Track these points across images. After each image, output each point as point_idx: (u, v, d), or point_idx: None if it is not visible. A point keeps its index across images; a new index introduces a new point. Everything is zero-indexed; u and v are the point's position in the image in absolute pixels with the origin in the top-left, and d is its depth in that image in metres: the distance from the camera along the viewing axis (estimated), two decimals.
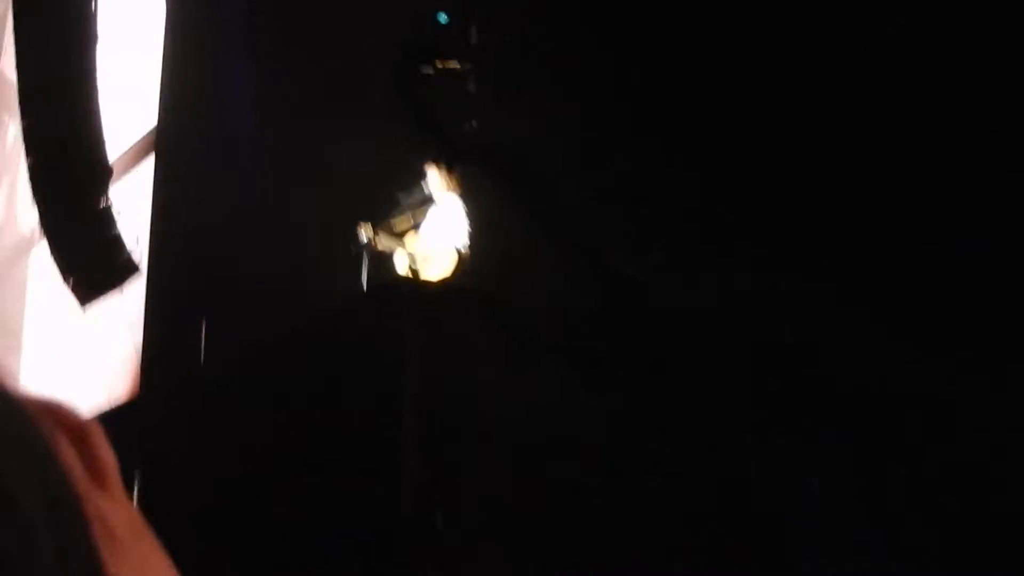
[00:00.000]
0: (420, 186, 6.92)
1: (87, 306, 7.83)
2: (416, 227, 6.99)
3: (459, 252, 6.84)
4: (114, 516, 0.55)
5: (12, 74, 8.45)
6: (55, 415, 0.55)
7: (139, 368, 7.62)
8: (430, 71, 7.33)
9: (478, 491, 5.82)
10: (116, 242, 7.50)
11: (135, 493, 6.60)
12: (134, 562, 0.56)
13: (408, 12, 7.47)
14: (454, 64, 7.27)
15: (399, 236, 6.95)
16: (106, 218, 7.53)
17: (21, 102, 8.09)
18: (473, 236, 6.88)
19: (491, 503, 5.81)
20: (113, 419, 7.16)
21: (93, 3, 7.89)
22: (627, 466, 6.03)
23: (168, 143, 7.97)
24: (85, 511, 0.51)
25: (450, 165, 6.98)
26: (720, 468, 6.15)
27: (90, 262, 7.68)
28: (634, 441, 6.06)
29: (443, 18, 7.28)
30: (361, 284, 6.82)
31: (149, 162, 8.24)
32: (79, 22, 7.86)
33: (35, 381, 8.65)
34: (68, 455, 0.53)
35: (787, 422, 6.24)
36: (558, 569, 5.78)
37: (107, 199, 7.57)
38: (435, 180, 6.92)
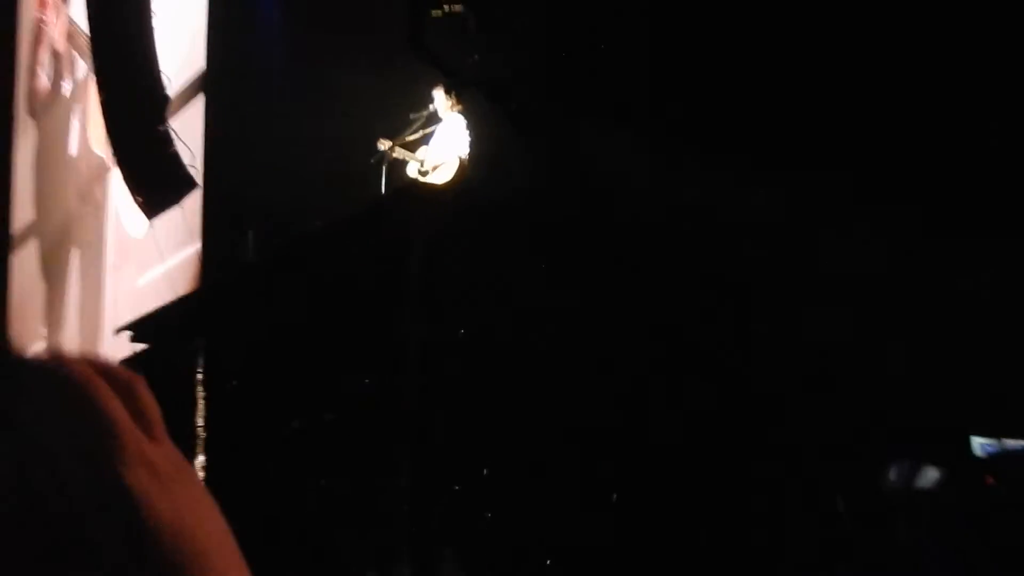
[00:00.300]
0: (429, 106, 8.12)
1: (153, 218, 9.13)
2: (426, 140, 8.18)
3: (461, 160, 8.08)
4: (160, 459, 0.62)
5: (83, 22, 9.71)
6: (106, 374, 0.62)
7: (199, 267, 8.94)
8: (438, 14, 8.55)
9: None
10: (175, 161, 8.74)
11: (200, 363, 8.00)
12: (177, 497, 0.61)
13: None
14: (458, 7, 8.49)
15: (411, 147, 8.13)
16: (166, 140, 8.74)
17: (92, 44, 9.33)
18: (472, 146, 8.16)
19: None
20: (179, 308, 8.58)
21: None
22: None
23: (215, 76, 9.17)
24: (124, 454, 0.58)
25: (454, 89, 8.26)
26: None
27: (154, 180, 8.91)
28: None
29: None
30: (380, 187, 8.13)
31: (200, 97, 9.46)
32: None
33: (116, 289, 9.98)
34: (116, 408, 0.60)
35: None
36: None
37: (166, 124, 8.79)
38: (441, 101, 8.13)
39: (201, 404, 7.93)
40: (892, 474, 7.57)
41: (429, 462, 6.83)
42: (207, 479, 7.21)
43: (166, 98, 8.83)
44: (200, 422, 7.90)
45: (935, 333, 7.63)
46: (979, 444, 8.15)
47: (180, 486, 0.63)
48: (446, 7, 8.42)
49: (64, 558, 0.58)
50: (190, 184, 8.68)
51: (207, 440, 7.86)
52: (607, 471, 7.08)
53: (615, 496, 7.09)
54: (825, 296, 7.46)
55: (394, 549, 6.74)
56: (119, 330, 8.73)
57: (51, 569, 0.59)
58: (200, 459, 7.81)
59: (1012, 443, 8.19)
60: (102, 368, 0.63)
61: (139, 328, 8.62)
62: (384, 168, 8.07)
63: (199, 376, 7.98)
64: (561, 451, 7.00)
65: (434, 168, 8.14)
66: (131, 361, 8.51)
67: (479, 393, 6.97)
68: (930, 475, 7.65)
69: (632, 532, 6.87)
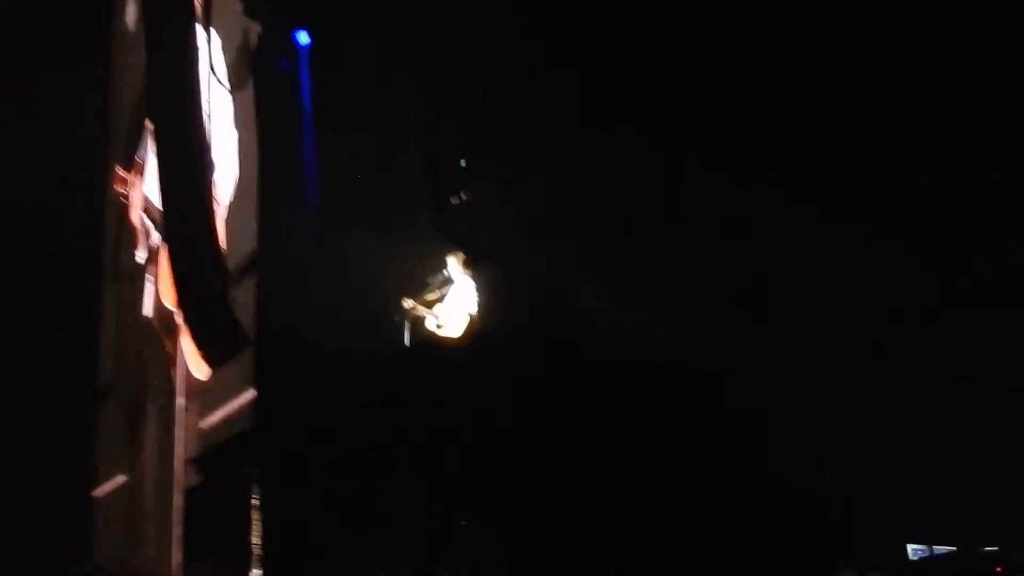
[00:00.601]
0: (443, 271, 9.77)
1: (215, 368, 10.51)
2: (441, 299, 9.76)
3: (471, 316, 9.71)
4: None
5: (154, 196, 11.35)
6: None
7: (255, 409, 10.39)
8: (456, 201, 10.28)
9: None
10: (234, 322, 10.07)
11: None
12: None
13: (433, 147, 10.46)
14: (470, 197, 10.22)
15: (429, 305, 9.70)
16: (226, 304, 10.05)
17: (164, 218, 10.77)
18: (480, 305, 9.76)
19: None
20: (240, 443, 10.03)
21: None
22: None
23: (267, 251, 10.63)
24: None
25: (465, 258, 9.90)
26: None
27: (216, 336, 10.14)
28: None
29: (463, 163, 10.29)
30: (404, 339, 9.69)
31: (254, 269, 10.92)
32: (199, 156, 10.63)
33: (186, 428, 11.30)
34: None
35: None
36: None
37: (226, 291, 10.19)
38: (454, 266, 9.77)
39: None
40: None
41: None
42: None
43: (225, 270, 10.35)
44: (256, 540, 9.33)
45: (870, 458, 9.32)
46: (912, 550, 9.47)
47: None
48: (461, 196, 10.19)
49: None
50: (246, 341, 9.96)
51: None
52: None
53: None
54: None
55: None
56: (189, 461, 10.23)
57: None
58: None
59: (940, 549, 9.51)
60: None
61: (205, 461, 10.16)
62: (407, 322, 9.69)
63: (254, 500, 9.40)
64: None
65: (447, 323, 9.72)
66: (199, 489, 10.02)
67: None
68: None
69: None
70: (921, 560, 9.44)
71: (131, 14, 13.62)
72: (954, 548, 9.39)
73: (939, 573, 9.29)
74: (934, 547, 9.51)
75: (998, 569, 8.53)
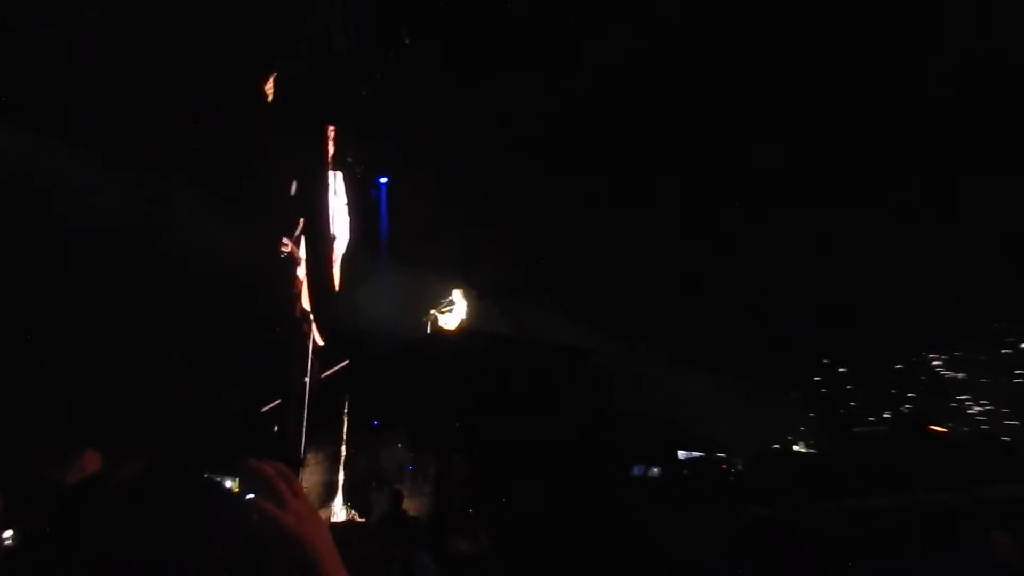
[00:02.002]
0: (451, 295, 18.44)
1: (326, 344, 19.29)
2: (448, 311, 18.39)
3: (461, 320, 18.34)
4: (298, 506, 1.52)
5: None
6: (275, 468, 1.57)
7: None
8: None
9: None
10: (337, 323, 18.93)
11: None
12: (305, 524, 1.49)
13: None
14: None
15: (441, 313, 18.27)
16: (334, 313, 19.08)
17: (306, 264, 20.00)
18: (467, 314, 18.46)
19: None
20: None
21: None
22: None
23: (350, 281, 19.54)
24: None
25: (462, 291, 18.62)
26: None
27: (327, 331, 19.20)
28: None
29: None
30: (426, 329, 18.34)
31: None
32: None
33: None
34: (281, 486, 1.54)
35: None
36: None
37: (333, 307, 19.10)
38: (456, 296, 18.48)
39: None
40: (636, 471, 15.86)
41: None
42: None
43: (335, 294, 18.98)
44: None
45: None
46: (681, 455, 17.32)
47: (307, 519, 1.52)
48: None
49: (263, 561, 1.43)
50: (341, 334, 18.67)
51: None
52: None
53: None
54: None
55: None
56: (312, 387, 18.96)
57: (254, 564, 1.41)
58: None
59: (695, 453, 17.25)
60: (274, 466, 1.55)
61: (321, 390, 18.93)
62: (429, 323, 18.37)
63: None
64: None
65: (448, 323, 18.32)
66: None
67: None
68: (655, 471, 15.84)
69: None
70: (684, 460, 16.91)
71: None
72: (703, 454, 16.90)
73: (692, 467, 16.50)
74: (692, 452, 17.22)
75: (724, 467, 15.48)
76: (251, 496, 1.51)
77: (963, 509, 8.18)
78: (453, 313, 17.98)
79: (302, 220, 19.57)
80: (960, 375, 18.48)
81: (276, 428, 18.90)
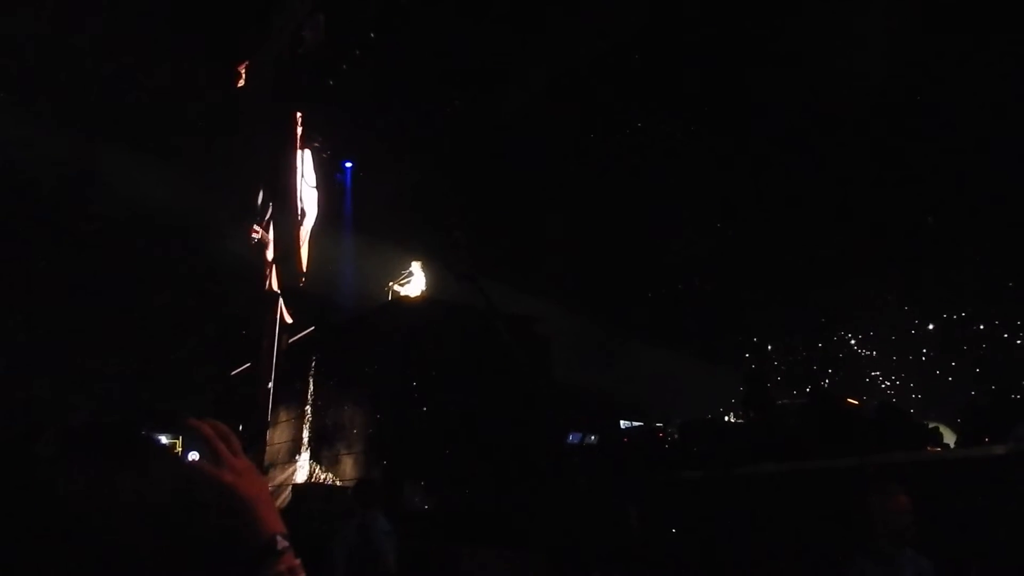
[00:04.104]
0: (411, 266, 19.43)
1: (292, 317, 20.49)
2: (408, 281, 19.70)
3: (421, 290, 19.59)
4: (238, 464, 1.62)
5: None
6: (215, 428, 1.63)
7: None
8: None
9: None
10: (301, 297, 20.17)
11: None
12: (245, 480, 1.58)
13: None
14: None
15: (401, 284, 19.44)
16: (298, 287, 20.25)
17: (274, 246, 21.10)
18: (426, 284, 19.54)
19: None
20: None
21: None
22: None
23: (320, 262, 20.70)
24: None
25: (420, 264, 19.71)
26: None
27: (293, 305, 20.40)
28: None
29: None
30: (388, 296, 19.35)
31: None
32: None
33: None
34: (220, 445, 1.61)
35: None
36: None
37: (300, 282, 20.26)
38: (417, 268, 19.49)
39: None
40: (573, 438, 16.68)
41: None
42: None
43: (302, 272, 19.99)
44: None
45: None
46: (622, 424, 18.58)
47: (245, 474, 1.61)
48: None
49: (198, 512, 1.39)
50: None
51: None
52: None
53: None
54: None
55: None
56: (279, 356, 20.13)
57: (195, 518, 1.37)
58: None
59: (634, 423, 18.53)
60: (215, 426, 1.61)
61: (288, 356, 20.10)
62: (389, 292, 19.46)
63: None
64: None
65: (409, 291, 19.43)
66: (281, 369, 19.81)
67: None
68: (593, 438, 16.71)
69: None
70: (625, 429, 18.06)
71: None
72: (641, 423, 18.18)
73: (631, 435, 17.26)
74: (632, 422, 18.50)
75: (660, 435, 16.79)
76: (193, 453, 1.63)
77: (862, 473, 8.99)
78: (412, 284, 19.07)
79: (271, 204, 20.94)
80: (873, 353, 20.00)
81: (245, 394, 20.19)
